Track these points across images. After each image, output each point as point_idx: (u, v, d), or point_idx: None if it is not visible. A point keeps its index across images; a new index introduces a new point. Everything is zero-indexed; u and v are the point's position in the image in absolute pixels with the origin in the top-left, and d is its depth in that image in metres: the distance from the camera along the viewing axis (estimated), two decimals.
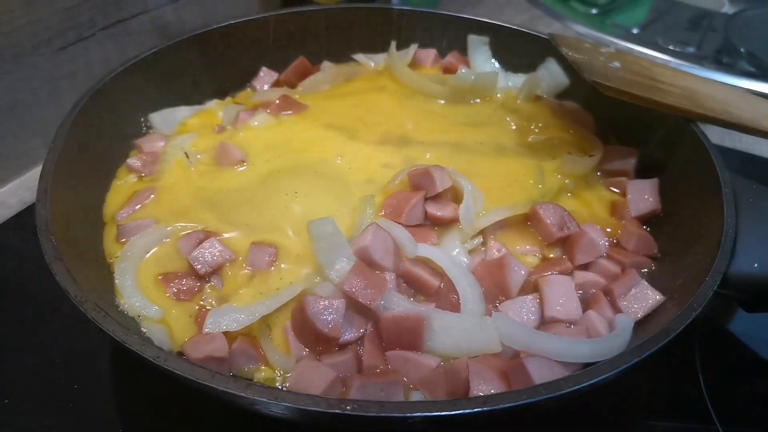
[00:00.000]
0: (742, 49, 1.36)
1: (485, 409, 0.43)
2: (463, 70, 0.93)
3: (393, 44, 1.00)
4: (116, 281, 0.65)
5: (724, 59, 1.38)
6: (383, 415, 0.43)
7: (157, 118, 0.89)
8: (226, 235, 0.70)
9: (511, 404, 0.44)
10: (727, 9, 1.66)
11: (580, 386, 0.46)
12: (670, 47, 1.40)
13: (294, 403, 0.43)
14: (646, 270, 0.71)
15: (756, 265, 0.61)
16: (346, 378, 0.58)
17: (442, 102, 0.94)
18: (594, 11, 1.57)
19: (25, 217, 0.88)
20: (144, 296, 0.63)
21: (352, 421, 0.45)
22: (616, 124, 0.89)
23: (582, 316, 0.63)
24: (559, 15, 1.52)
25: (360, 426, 0.46)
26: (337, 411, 0.43)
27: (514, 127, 0.89)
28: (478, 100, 0.94)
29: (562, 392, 0.45)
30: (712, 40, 1.45)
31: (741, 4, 1.64)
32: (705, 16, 1.56)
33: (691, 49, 1.40)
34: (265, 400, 0.44)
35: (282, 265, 0.68)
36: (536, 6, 1.56)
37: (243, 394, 0.44)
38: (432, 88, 0.94)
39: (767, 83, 1.25)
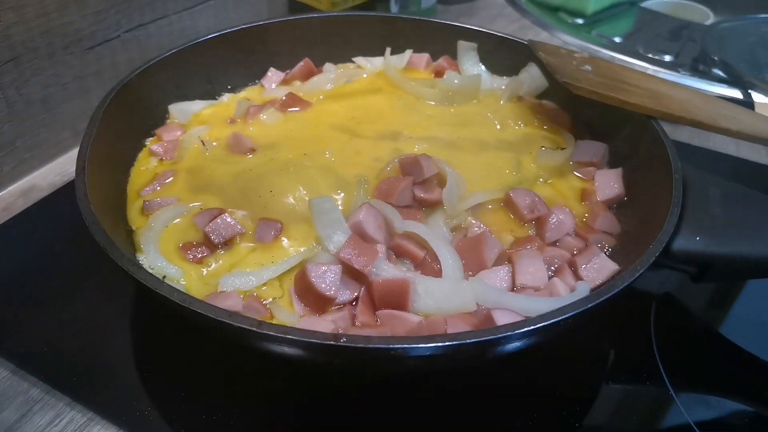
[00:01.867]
0: (716, 58, 1.46)
1: (455, 342, 0.53)
2: (447, 75, 1.02)
3: (388, 50, 1.10)
4: (142, 246, 0.74)
5: (700, 67, 1.47)
6: (369, 346, 0.52)
7: (175, 109, 0.98)
8: (236, 212, 0.80)
9: (476, 339, 0.53)
10: (712, 21, 1.76)
11: (535, 327, 0.55)
12: (650, 55, 1.50)
13: (299, 336, 0.53)
14: (608, 247, 0.80)
15: (698, 238, 0.70)
16: (342, 331, 0.67)
17: (433, 103, 1.03)
18: (580, 21, 1.67)
19: (54, 199, 0.98)
20: (166, 260, 0.73)
21: (345, 354, 0.54)
22: (589, 122, 0.98)
23: (547, 282, 0.72)
24: (547, 25, 1.61)
25: (352, 357, 0.55)
26: (332, 342, 0.52)
27: (497, 125, 0.99)
28: (471, 101, 1.02)
29: (521, 330, 0.54)
30: (690, 50, 1.54)
31: (726, 17, 1.73)
32: (685, 28, 1.66)
33: (669, 58, 1.49)
34: (273, 333, 0.53)
35: (284, 239, 0.77)
36: (526, 16, 1.66)
37: (255, 329, 0.53)
38: (422, 91, 1.03)
39: (738, 89, 1.35)
